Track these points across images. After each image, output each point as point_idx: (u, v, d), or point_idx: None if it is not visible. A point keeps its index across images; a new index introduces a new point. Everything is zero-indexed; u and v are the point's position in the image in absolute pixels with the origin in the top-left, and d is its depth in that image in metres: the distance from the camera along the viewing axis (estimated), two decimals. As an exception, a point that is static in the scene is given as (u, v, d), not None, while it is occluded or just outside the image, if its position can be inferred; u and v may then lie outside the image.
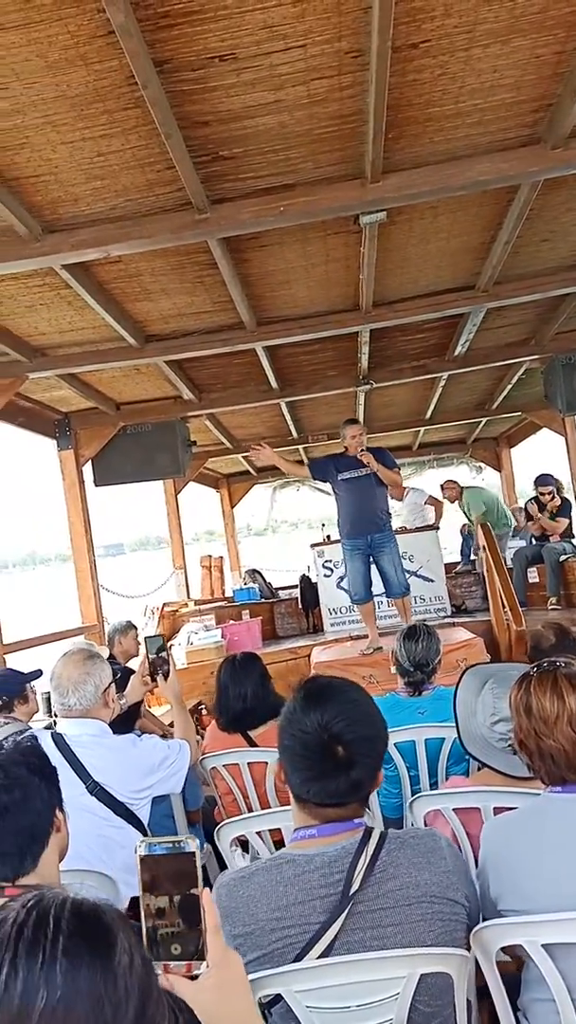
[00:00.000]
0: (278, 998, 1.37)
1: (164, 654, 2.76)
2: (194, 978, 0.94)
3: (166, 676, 2.77)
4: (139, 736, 2.55)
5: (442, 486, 8.94)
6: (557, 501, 7.56)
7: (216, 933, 0.97)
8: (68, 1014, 0.64)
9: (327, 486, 6.14)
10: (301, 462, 6.90)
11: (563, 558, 7.32)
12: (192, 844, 0.96)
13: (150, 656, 2.77)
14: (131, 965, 0.70)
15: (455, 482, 8.97)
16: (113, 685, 2.52)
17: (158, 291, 4.30)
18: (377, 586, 5.94)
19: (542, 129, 3.14)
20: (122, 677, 3.20)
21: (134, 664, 5.11)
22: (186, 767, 2.52)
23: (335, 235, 3.89)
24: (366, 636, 6.17)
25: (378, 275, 4.39)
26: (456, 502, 8.85)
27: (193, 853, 0.95)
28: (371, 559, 5.83)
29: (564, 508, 7.60)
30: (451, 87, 2.79)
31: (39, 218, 3.23)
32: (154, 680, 2.78)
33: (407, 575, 6.17)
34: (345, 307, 4.97)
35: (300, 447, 9.50)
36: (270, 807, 2.91)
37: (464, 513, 8.69)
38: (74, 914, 0.70)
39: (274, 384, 6.37)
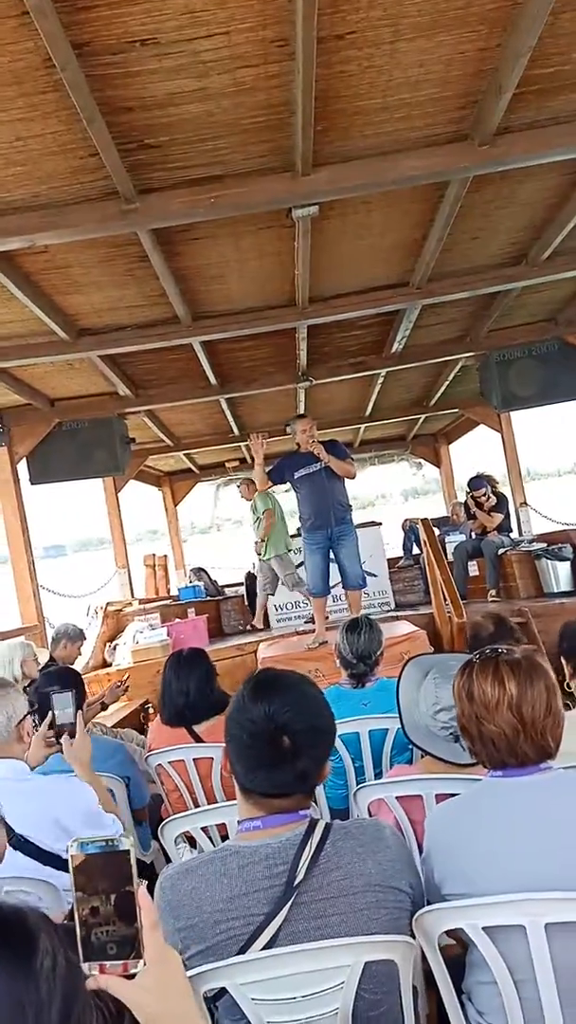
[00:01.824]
0: (223, 991, 1.37)
1: (70, 710, 2.41)
2: (131, 977, 0.92)
3: (72, 737, 2.40)
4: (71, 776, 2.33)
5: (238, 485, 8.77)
6: (492, 500, 7.73)
7: (153, 930, 0.95)
8: None
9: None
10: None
11: (501, 551, 7.52)
12: (126, 842, 0.94)
13: (55, 713, 2.42)
14: (54, 968, 0.68)
15: (250, 481, 8.79)
16: (28, 717, 2.27)
17: (88, 284, 4.20)
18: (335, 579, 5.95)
19: (469, 126, 3.16)
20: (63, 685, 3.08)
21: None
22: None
23: (268, 229, 3.87)
24: (311, 631, 6.19)
25: (313, 270, 4.38)
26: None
27: (127, 851, 0.94)
28: (330, 552, 5.84)
29: (500, 504, 7.78)
30: (378, 80, 2.79)
31: (-43, 205, 3.11)
32: (57, 743, 2.42)
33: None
34: (281, 303, 4.95)
35: (242, 444, 9.45)
36: (217, 802, 2.91)
37: (252, 511, 8.62)
38: None
39: (212, 380, 6.31)
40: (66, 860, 1.57)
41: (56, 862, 2.00)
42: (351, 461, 5.94)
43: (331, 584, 6.04)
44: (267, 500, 7.93)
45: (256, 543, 7.98)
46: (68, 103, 2.56)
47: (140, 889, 0.94)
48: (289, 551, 7.56)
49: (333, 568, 5.94)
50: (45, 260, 3.81)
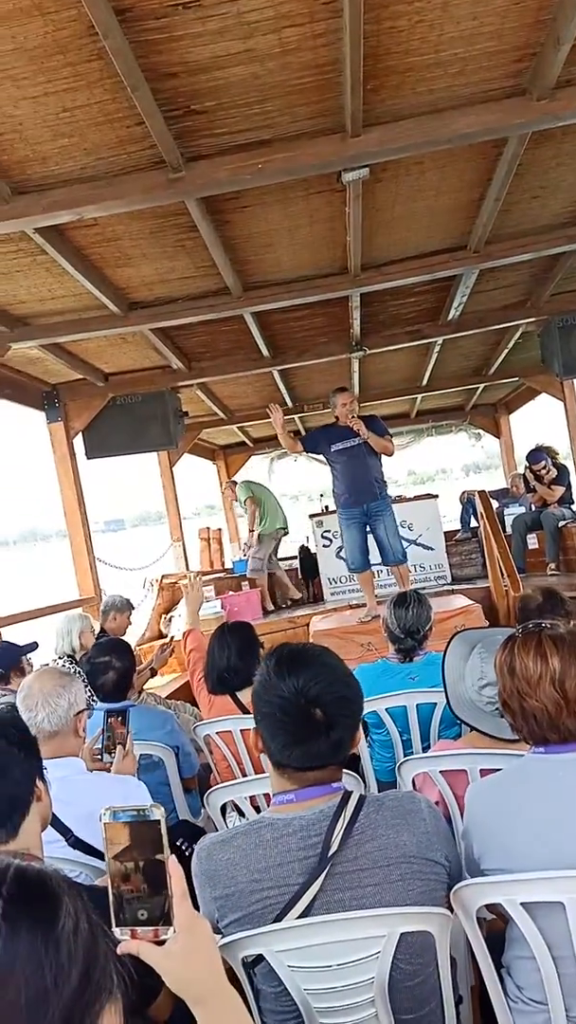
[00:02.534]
0: (261, 958, 1.40)
1: (123, 731, 2.42)
2: (161, 943, 0.94)
3: (124, 753, 2.38)
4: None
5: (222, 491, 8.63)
6: (553, 472, 7.53)
7: (183, 899, 0.97)
8: (6, 978, 0.63)
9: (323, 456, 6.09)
10: (297, 432, 6.84)
11: (562, 524, 7.35)
12: (157, 812, 0.96)
13: (104, 736, 2.43)
14: (76, 931, 0.68)
15: (233, 482, 8.77)
16: (85, 714, 2.26)
17: (138, 256, 4.19)
18: (375, 555, 5.92)
19: (526, 80, 3.02)
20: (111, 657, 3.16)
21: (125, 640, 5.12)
22: None
23: (318, 194, 3.78)
24: (365, 605, 6.17)
25: (365, 236, 4.28)
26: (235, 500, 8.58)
27: (158, 821, 0.95)
28: (368, 528, 5.80)
29: (561, 476, 7.58)
30: (430, 35, 2.67)
31: (7, 179, 3.12)
32: (109, 754, 2.41)
33: (405, 543, 6.14)
34: (333, 270, 4.86)
35: (296, 416, 9.41)
36: (264, 772, 2.93)
37: (241, 504, 8.50)
38: (16, 880, 0.69)
39: (265, 352, 6.27)
40: None
41: None
42: (390, 438, 5.86)
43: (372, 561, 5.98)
44: (247, 489, 7.99)
45: (249, 534, 8.09)
46: (112, 71, 2.53)
47: (171, 858, 0.96)
48: (281, 529, 7.64)
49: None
50: (95, 233, 3.81)
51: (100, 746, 2.44)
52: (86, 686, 4.04)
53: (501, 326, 6.70)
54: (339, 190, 3.69)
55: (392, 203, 4.02)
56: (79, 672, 4.55)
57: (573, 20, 2.62)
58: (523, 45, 2.84)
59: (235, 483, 8.82)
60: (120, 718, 2.45)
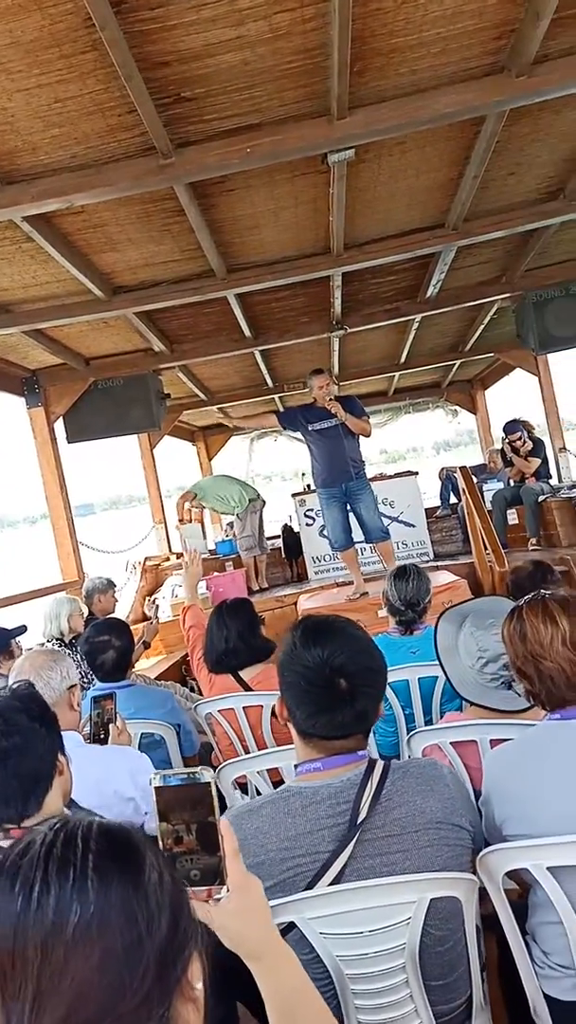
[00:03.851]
0: (291, 926, 1.40)
1: (111, 714, 2.42)
2: (216, 902, 0.97)
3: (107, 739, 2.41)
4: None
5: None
6: (529, 445, 7.62)
7: (235, 858, 0.99)
8: (103, 928, 0.65)
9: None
10: (273, 412, 6.86)
11: (541, 498, 7.41)
12: (207, 775, 0.97)
13: (93, 718, 2.43)
14: (161, 882, 0.71)
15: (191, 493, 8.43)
16: (78, 687, 2.27)
17: (124, 241, 4.21)
18: (357, 533, 6.01)
19: (505, 57, 3.08)
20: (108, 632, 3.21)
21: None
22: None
23: (303, 176, 3.83)
24: (351, 583, 6.25)
25: (348, 216, 4.33)
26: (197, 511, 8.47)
27: (208, 783, 0.97)
28: (348, 507, 5.89)
29: (536, 449, 7.68)
30: (414, 15, 2.73)
31: (-3, 169, 3.14)
32: (96, 741, 2.42)
33: (386, 520, 6.24)
34: (316, 251, 4.90)
35: (276, 396, 9.45)
36: (268, 748, 2.96)
37: (213, 510, 8.55)
38: (102, 834, 0.72)
39: (247, 333, 6.30)
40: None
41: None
42: (367, 419, 5.93)
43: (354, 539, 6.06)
44: (198, 494, 8.04)
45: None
46: (106, 62, 2.56)
47: (222, 819, 0.98)
48: (252, 501, 7.81)
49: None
50: (82, 220, 3.83)
51: (89, 731, 2.43)
52: (79, 667, 4.09)
53: (477, 302, 6.78)
54: (323, 171, 3.74)
55: (374, 183, 4.08)
56: (71, 654, 4.61)
57: (553, -6, 2.67)
58: (503, 22, 2.89)
59: (191, 499, 8.35)
60: (107, 700, 2.45)
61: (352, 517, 5.98)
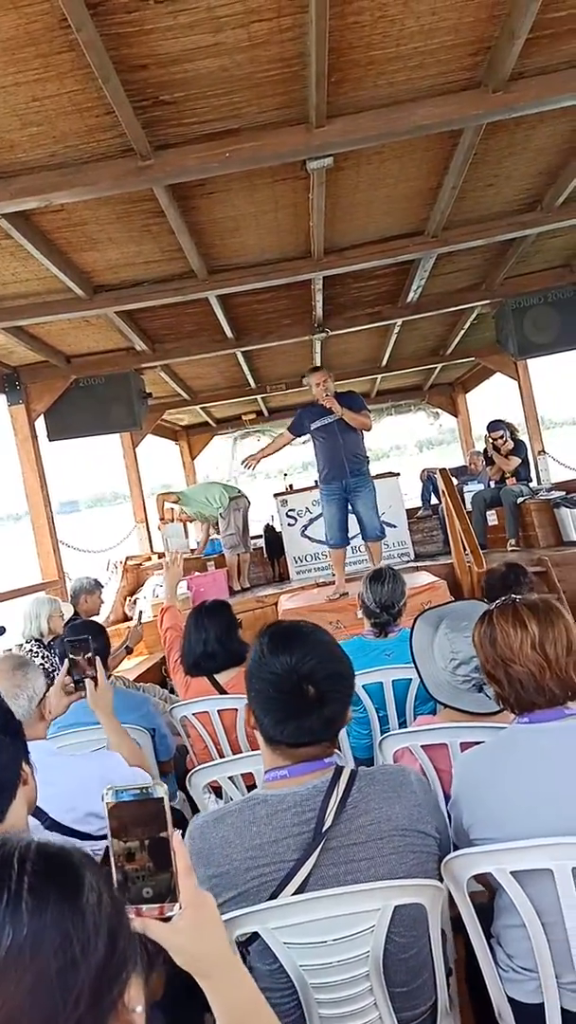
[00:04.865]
0: (255, 936, 1.39)
1: (90, 655, 2.36)
2: (167, 920, 0.95)
3: (95, 683, 2.36)
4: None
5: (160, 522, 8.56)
6: (510, 444, 7.71)
7: (188, 875, 0.97)
8: (36, 951, 0.64)
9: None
10: (259, 413, 6.94)
11: (520, 500, 7.47)
12: (160, 790, 0.96)
13: (72, 659, 2.37)
14: (99, 903, 0.70)
15: (172, 494, 8.63)
16: (47, 698, 2.20)
17: (104, 240, 4.22)
18: (354, 531, 6.02)
19: (482, 72, 3.14)
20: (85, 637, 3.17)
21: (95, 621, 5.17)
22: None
23: (283, 181, 3.86)
24: (331, 583, 6.27)
25: (328, 221, 4.37)
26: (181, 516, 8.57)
27: (161, 799, 0.96)
28: (348, 503, 5.88)
29: (517, 449, 7.76)
30: (391, 30, 2.77)
31: (-25, 167, 3.15)
32: (79, 688, 2.39)
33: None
34: (297, 254, 4.94)
35: (258, 397, 9.48)
36: (242, 752, 2.96)
37: (196, 516, 8.54)
38: (40, 855, 0.71)
39: (229, 334, 6.33)
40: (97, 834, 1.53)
41: (89, 838, 1.95)
42: (367, 413, 5.92)
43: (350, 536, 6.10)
44: (183, 501, 8.15)
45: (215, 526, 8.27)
46: (84, 62, 2.58)
47: (175, 835, 0.96)
48: (233, 499, 7.88)
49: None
50: (62, 218, 3.84)
51: (70, 677, 2.38)
52: (57, 670, 4.07)
53: (458, 308, 6.86)
54: (303, 177, 3.78)
55: (354, 190, 4.12)
56: (48, 655, 4.60)
57: (527, 14, 2.73)
58: (479, 39, 2.96)
59: (173, 500, 8.47)
60: (82, 650, 2.37)
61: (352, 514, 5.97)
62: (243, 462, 6.48)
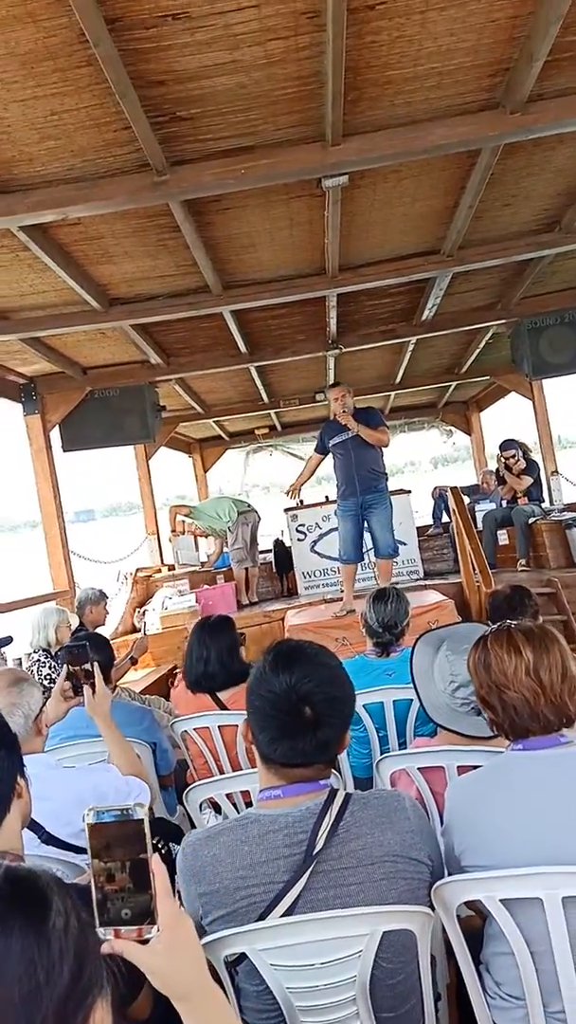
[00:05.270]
0: (243, 956, 1.39)
1: (88, 665, 2.37)
2: (145, 942, 0.95)
3: (93, 689, 2.37)
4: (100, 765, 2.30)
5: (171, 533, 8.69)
6: (522, 464, 7.68)
7: (167, 897, 0.97)
8: None
9: (300, 450, 6.21)
10: (272, 428, 6.98)
11: (532, 520, 7.46)
12: (140, 812, 0.96)
13: (71, 668, 2.39)
14: (66, 928, 0.69)
15: (184, 506, 8.75)
16: (44, 712, 2.19)
17: (120, 254, 4.25)
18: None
19: (500, 94, 3.14)
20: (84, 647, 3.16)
21: (101, 632, 5.16)
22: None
23: (298, 198, 3.87)
24: (339, 599, 6.24)
25: (343, 239, 4.38)
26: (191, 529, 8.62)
27: (141, 820, 0.96)
28: (363, 520, 5.86)
29: (530, 468, 7.73)
30: (408, 50, 2.78)
31: (-6, 178, 3.17)
32: (78, 694, 2.40)
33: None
34: (311, 271, 4.95)
35: (271, 411, 9.49)
36: (243, 769, 2.92)
37: (207, 530, 8.59)
38: (6, 880, 0.71)
39: (243, 349, 6.34)
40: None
41: (84, 851, 1.94)
42: (384, 429, 5.90)
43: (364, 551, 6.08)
44: (196, 516, 8.22)
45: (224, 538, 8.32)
46: (101, 77, 2.60)
47: (154, 857, 0.96)
48: (242, 514, 7.91)
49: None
50: (79, 232, 3.87)
51: (69, 683, 2.39)
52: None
53: (473, 327, 6.85)
54: (319, 195, 3.79)
55: (369, 208, 4.12)
56: (55, 665, 4.59)
57: (546, 38, 2.73)
58: (497, 61, 2.96)
59: (185, 513, 8.56)
60: (80, 659, 2.38)
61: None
62: (287, 493, 6.53)
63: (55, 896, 0.72)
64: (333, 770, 1.60)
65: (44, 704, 2.17)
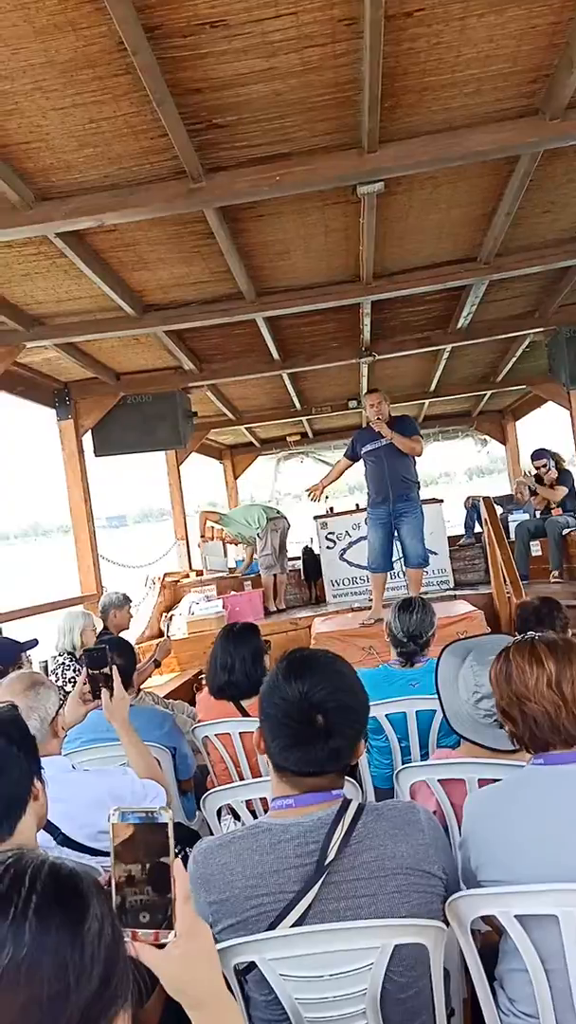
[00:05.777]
0: (253, 965, 1.38)
1: (107, 669, 2.37)
2: (161, 947, 0.94)
3: (111, 693, 2.36)
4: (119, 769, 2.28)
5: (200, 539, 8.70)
6: (554, 473, 7.56)
7: (186, 903, 0.96)
8: (31, 973, 0.63)
9: (332, 457, 6.19)
10: (304, 435, 6.96)
11: (566, 531, 7.33)
12: (165, 815, 0.95)
13: (90, 671, 2.38)
14: (100, 934, 0.69)
15: (214, 513, 8.74)
16: (62, 713, 2.21)
17: (155, 260, 4.27)
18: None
19: (539, 100, 3.09)
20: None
21: (126, 636, 5.18)
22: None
23: (333, 205, 3.86)
24: (367, 608, 6.20)
25: (378, 246, 4.36)
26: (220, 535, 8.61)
27: (166, 824, 0.95)
28: (394, 529, 5.82)
29: (563, 479, 7.61)
30: (447, 56, 2.75)
31: (31, 185, 3.21)
32: (96, 698, 2.40)
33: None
34: (346, 278, 4.93)
35: (303, 418, 9.48)
36: (262, 776, 2.88)
37: (236, 537, 8.52)
38: (51, 876, 0.71)
39: (276, 355, 6.34)
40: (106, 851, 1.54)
41: (100, 854, 1.96)
42: (418, 438, 5.84)
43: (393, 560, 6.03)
44: (226, 523, 8.19)
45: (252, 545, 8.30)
46: (139, 86, 2.61)
47: (176, 862, 0.95)
48: (271, 520, 7.86)
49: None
50: (114, 238, 3.90)
51: (87, 687, 2.40)
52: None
53: (509, 335, 6.77)
54: (354, 202, 3.77)
55: (405, 215, 4.10)
56: (79, 668, 4.61)
57: (587, 43, 2.69)
58: (537, 67, 2.92)
59: (212, 529, 8.62)
60: (98, 660, 2.38)
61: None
62: (308, 492, 6.47)
63: (94, 899, 0.72)
64: (350, 779, 1.56)
65: (61, 707, 2.18)
